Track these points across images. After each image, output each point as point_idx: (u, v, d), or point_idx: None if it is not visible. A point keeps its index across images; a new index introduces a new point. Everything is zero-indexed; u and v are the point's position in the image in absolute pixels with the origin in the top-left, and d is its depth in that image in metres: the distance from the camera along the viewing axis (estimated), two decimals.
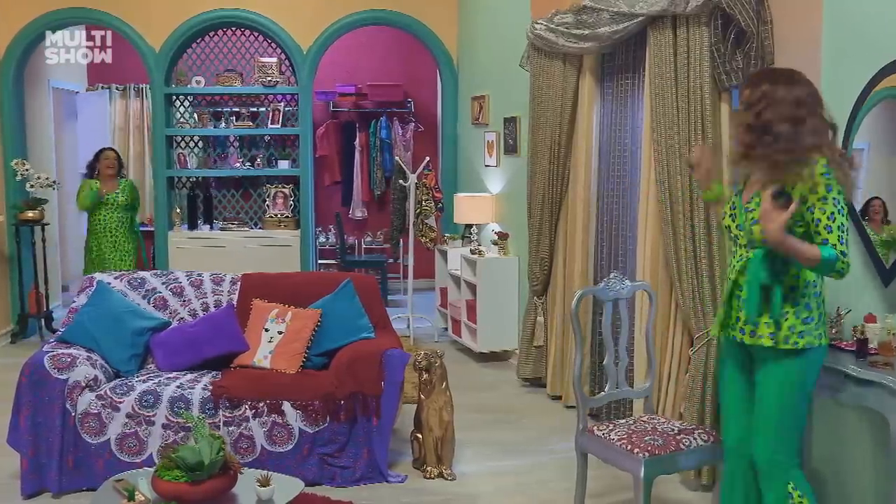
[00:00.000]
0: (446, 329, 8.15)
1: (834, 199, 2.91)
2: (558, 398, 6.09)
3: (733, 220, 3.18)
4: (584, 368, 5.68)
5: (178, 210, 8.37)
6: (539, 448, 5.16)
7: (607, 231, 5.55)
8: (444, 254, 8.06)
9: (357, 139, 10.65)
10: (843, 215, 2.92)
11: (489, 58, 7.76)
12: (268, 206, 8.61)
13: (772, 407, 3.10)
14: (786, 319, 3.02)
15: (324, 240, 10.49)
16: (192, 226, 8.37)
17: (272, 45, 8.59)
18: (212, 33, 8.56)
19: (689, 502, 4.36)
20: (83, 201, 7.58)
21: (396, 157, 8.48)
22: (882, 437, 3.54)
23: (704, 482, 4.45)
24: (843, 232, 2.91)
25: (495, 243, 7.34)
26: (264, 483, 3.39)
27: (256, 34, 8.60)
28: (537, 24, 5.94)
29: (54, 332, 7.90)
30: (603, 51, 5.34)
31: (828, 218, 2.90)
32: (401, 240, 8.44)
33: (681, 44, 4.42)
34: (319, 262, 10.10)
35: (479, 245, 7.47)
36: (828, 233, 2.90)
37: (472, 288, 7.33)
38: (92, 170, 7.62)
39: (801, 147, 2.92)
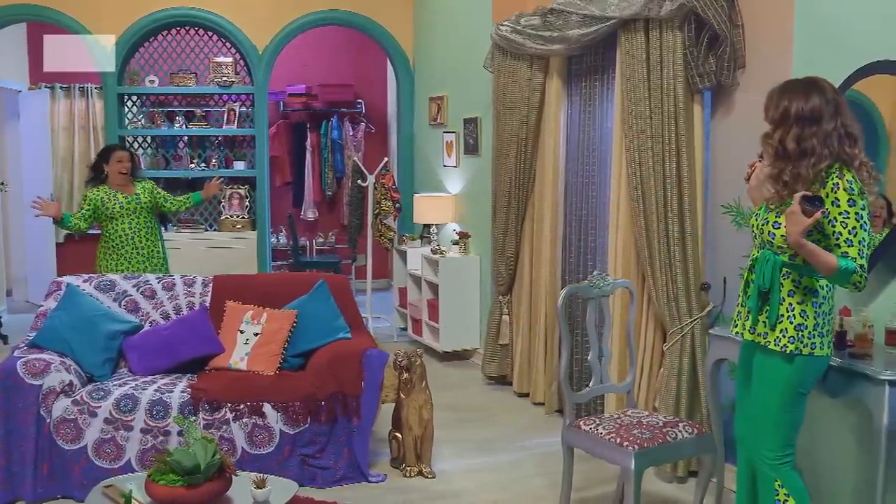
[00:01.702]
0: (405, 329, 8.18)
1: (857, 213, 2.93)
2: (525, 395, 6.16)
3: (757, 219, 3.22)
4: (555, 364, 5.78)
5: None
6: (512, 445, 5.22)
7: (576, 230, 5.64)
8: (402, 254, 8.08)
9: (308, 140, 10.60)
10: (864, 230, 2.94)
11: (447, 59, 7.81)
12: (223, 207, 8.51)
13: (758, 405, 3.19)
14: (780, 322, 3.09)
15: (275, 241, 10.41)
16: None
17: (226, 44, 8.50)
18: (165, 32, 8.42)
19: (667, 493, 4.47)
20: (77, 222, 5.91)
21: (355, 158, 8.49)
22: (859, 425, 3.70)
23: (680, 474, 4.57)
24: (863, 246, 2.93)
25: (456, 243, 7.38)
26: (260, 485, 3.37)
27: (211, 34, 8.50)
28: (502, 25, 6.01)
29: (3, 337, 7.71)
30: (571, 53, 5.42)
31: (849, 232, 2.92)
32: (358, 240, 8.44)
33: (653, 46, 4.52)
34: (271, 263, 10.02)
35: (440, 245, 7.51)
36: (848, 246, 2.93)
37: (434, 287, 7.36)
38: (99, 172, 6.03)
39: (825, 160, 2.96)
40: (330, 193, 10.77)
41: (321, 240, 10.83)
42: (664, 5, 4.38)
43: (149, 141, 8.66)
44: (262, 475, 3.43)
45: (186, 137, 8.66)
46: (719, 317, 4.48)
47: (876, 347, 3.45)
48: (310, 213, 10.78)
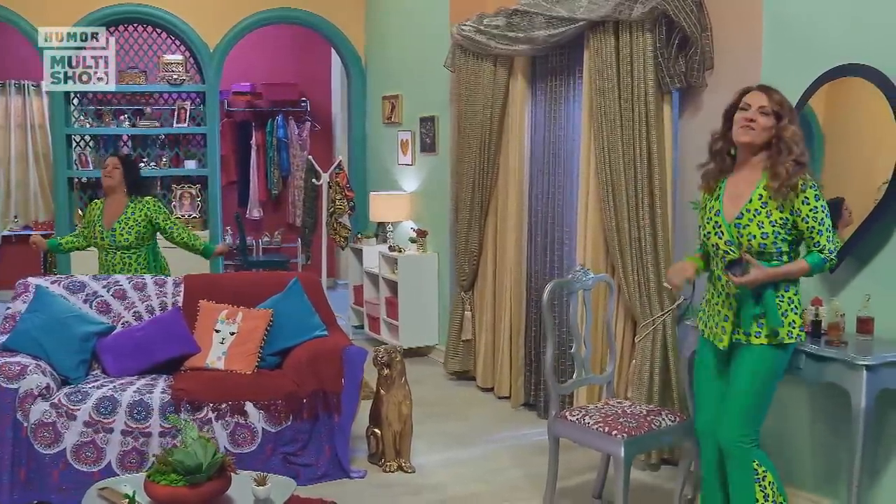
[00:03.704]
0: (360, 327, 8.20)
1: (822, 206, 3.20)
2: (490, 390, 6.26)
3: (720, 238, 3.33)
4: (521, 359, 5.90)
5: (80, 212, 8.04)
6: (483, 438, 5.32)
7: (542, 226, 5.74)
8: (358, 252, 8.10)
9: (253, 138, 10.52)
10: (829, 216, 3.22)
11: (402, 58, 7.86)
12: (174, 206, 8.41)
13: (744, 393, 3.32)
14: (786, 317, 3.26)
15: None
16: None
17: (176, 42, 8.39)
18: (112, 29, 8.27)
19: (641, 481, 4.60)
20: (81, 240, 5.51)
21: (310, 157, 8.45)
22: (830, 409, 3.91)
23: (653, 461, 4.72)
24: (830, 232, 3.22)
25: (413, 241, 7.44)
26: (261, 482, 3.39)
27: (160, 31, 8.38)
28: (465, 25, 6.08)
29: None
30: (537, 53, 5.53)
31: (819, 223, 3.19)
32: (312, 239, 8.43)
33: (623, 48, 4.65)
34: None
35: (396, 243, 7.56)
36: (819, 236, 3.20)
37: (391, 285, 7.41)
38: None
39: (804, 166, 3.20)
40: (276, 192, 10.72)
41: (266, 239, 10.76)
42: (635, 8, 4.51)
43: (90, 140, 8.47)
44: (262, 473, 3.44)
45: (128, 136, 8.53)
46: (689, 309, 4.65)
47: (847, 335, 3.64)
48: (255, 213, 10.70)
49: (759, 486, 3.33)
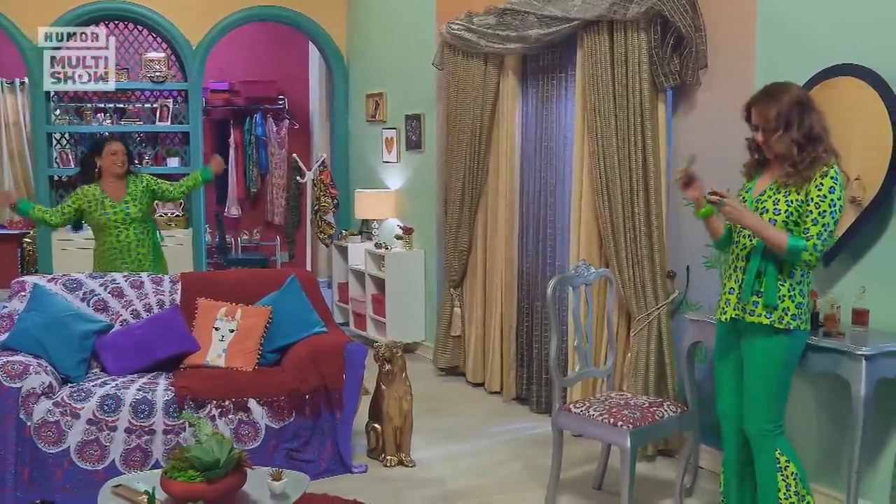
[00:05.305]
0: (345, 324, 8.22)
1: (832, 200, 3.23)
2: (480, 385, 6.33)
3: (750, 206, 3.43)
4: (513, 354, 5.97)
5: None
6: (479, 432, 5.38)
7: (533, 223, 5.81)
8: (343, 250, 8.13)
9: (231, 136, 10.49)
10: (833, 217, 3.24)
11: (387, 56, 7.89)
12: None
13: (758, 381, 3.42)
14: (782, 301, 3.34)
15: None
16: (77, 226, 7.96)
17: (157, 39, 8.35)
18: (93, 26, 8.19)
19: (637, 472, 4.68)
20: (44, 215, 5.61)
21: (294, 155, 8.46)
22: (828, 399, 4.02)
23: (649, 454, 4.82)
24: (826, 230, 3.24)
25: (399, 238, 7.48)
26: (276, 478, 3.42)
27: (141, 28, 8.33)
28: (454, 24, 6.14)
29: None
30: (529, 52, 5.60)
31: (819, 213, 3.24)
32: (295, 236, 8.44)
33: (618, 47, 4.73)
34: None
35: (382, 240, 7.60)
36: (813, 224, 3.24)
37: (378, 282, 7.45)
38: (90, 167, 5.56)
39: (824, 152, 3.28)
40: (254, 190, 10.70)
41: (245, 237, 10.74)
42: (630, 8, 4.59)
43: (71, 138, 8.39)
44: (278, 469, 3.47)
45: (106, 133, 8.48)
46: (683, 303, 4.75)
47: (843, 326, 3.75)
48: (233, 210, 10.68)
49: (781, 475, 3.42)
